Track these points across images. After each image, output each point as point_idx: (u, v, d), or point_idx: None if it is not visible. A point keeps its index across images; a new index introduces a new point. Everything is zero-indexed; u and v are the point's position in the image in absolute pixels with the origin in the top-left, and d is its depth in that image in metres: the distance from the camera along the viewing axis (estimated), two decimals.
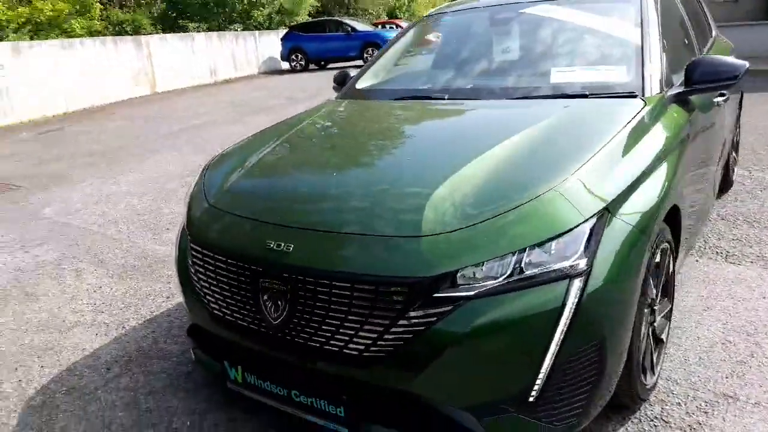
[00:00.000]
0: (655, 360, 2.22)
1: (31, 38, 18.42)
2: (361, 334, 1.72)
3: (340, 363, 1.77)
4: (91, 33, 17.93)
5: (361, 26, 19.22)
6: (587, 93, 2.48)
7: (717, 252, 3.46)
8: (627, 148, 2.04)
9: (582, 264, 1.68)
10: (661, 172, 2.12)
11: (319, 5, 25.90)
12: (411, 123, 2.72)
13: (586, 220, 1.72)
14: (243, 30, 20.05)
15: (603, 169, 1.90)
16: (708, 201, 3.16)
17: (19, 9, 19.02)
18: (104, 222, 4.93)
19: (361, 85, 3.27)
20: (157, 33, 17.43)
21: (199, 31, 18.68)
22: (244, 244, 1.97)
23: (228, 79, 17.77)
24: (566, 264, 1.67)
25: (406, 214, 1.81)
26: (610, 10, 2.94)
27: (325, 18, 21.17)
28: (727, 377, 2.32)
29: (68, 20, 19.96)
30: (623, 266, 1.77)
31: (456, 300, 1.65)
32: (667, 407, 2.18)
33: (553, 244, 1.68)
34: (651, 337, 2.17)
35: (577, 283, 1.66)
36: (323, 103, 3.16)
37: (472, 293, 1.65)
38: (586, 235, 1.72)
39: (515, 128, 2.21)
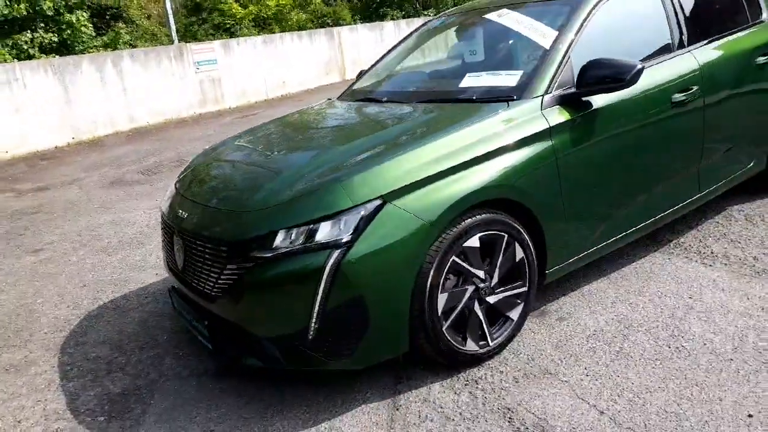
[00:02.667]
0: (488, 332, 2.55)
1: (259, 33, 21.53)
2: (209, 278, 2.45)
3: (204, 298, 2.51)
4: (300, 27, 20.35)
5: None
6: (473, 97, 2.81)
7: (700, 252, 3.39)
8: (444, 147, 2.42)
9: (346, 238, 2.19)
10: (487, 168, 2.44)
11: None
12: (328, 123, 3.28)
13: (356, 206, 2.21)
14: (435, 15, 20.94)
15: (398, 165, 2.32)
16: (648, 201, 3.15)
17: (250, 7, 22.33)
18: None
19: (355, 86, 3.87)
20: (354, 24, 19.14)
21: (395, 19, 20.02)
22: (169, 211, 2.81)
23: None
24: (334, 237, 2.20)
25: (243, 194, 2.47)
26: (548, 14, 3.12)
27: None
28: (564, 358, 2.54)
29: (289, 14, 22.87)
30: (391, 243, 2.22)
31: (258, 259, 2.28)
32: (490, 373, 2.51)
33: (326, 223, 2.22)
34: (480, 311, 2.51)
35: (337, 252, 2.18)
36: (317, 103, 3.84)
37: (269, 254, 2.26)
38: (358, 217, 2.21)
39: (376, 129, 2.70)
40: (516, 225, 2.55)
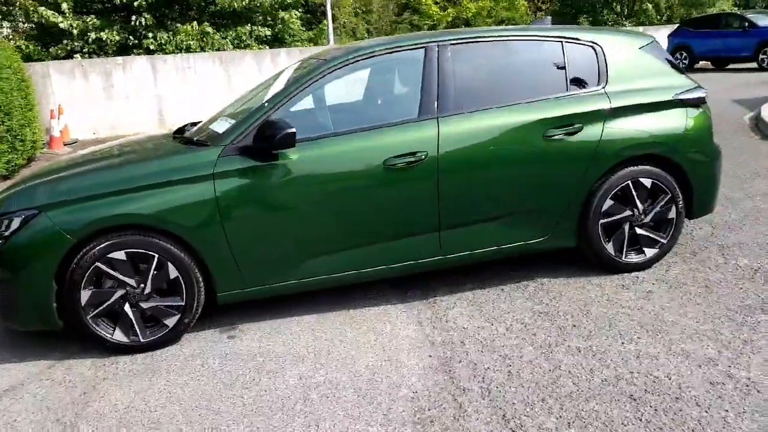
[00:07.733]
0: (139, 329, 3.15)
1: None
2: None
3: None
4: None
5: (764, 21, 16.27)
6: (194, 139, 3.39)
7: (435, 315, 3.46)
8: (115, 176, 3.12)
9: (7, 233, 3.01)
10: (142, 198, 3.04)
11: None
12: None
13: (19, 210, 3.02)
14: (633, 26, 19.51)
15: (65, 184, 3.10)
16: (357, 254, 3.37)
17: (449, 9, 23.24)
18: None
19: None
20: None
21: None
22: None
23: None
24: (6, 231, 3.03)
25: None
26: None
27: (722, 12, 18.52)
28: (173, 366, 3.04)
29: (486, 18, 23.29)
30: (33, 242, 2.99)
31: None
32: (124, 360, 3.14)
33: (17, 218, 3.03)
34: (131, 311, 3.13)
35: (1, 242, 3.02)
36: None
37: None
38: (20, 219, 3.01)
39: (129, 156, 3.58)
40: (171, 248, 3.09)
